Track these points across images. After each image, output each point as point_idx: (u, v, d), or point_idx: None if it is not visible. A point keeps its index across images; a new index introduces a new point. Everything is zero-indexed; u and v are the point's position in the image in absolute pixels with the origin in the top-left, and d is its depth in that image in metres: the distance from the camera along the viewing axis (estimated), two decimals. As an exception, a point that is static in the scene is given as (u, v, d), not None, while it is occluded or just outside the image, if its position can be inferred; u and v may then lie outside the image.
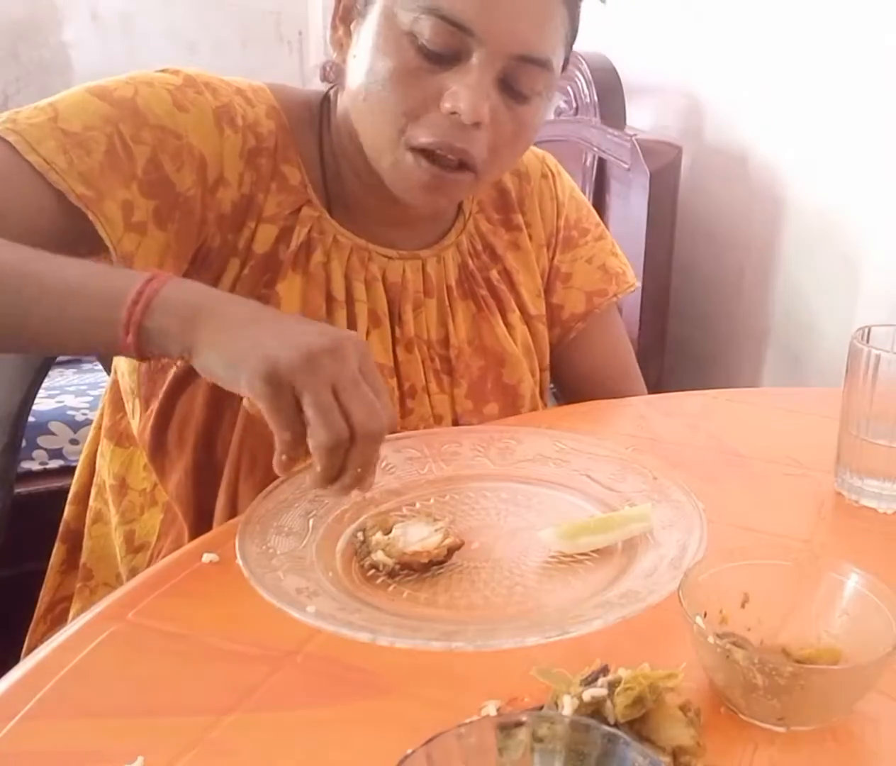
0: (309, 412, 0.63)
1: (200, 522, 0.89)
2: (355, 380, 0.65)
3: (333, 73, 0.92)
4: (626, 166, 1.76)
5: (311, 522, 0.72)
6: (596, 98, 1.83)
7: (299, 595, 0.62)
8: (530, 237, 1.03)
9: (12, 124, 0.78)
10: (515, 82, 0.81)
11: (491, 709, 0.55)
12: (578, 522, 0.72)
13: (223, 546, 0.70)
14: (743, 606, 0.60)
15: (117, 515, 0.93)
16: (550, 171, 1.06)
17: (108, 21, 2.98)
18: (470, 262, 0.98)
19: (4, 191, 0.76)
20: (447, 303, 0.96)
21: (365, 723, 0.55)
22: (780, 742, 0.54)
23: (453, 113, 0.79)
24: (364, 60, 0.82)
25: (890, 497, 0.80)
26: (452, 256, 0.97)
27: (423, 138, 0.80)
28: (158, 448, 0.89)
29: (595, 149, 1.86)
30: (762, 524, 0.77)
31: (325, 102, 0.93)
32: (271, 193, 0.87)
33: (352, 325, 0.90)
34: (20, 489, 1.04)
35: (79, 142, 0.78)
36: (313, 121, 0.92)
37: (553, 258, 1.05)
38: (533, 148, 1.07)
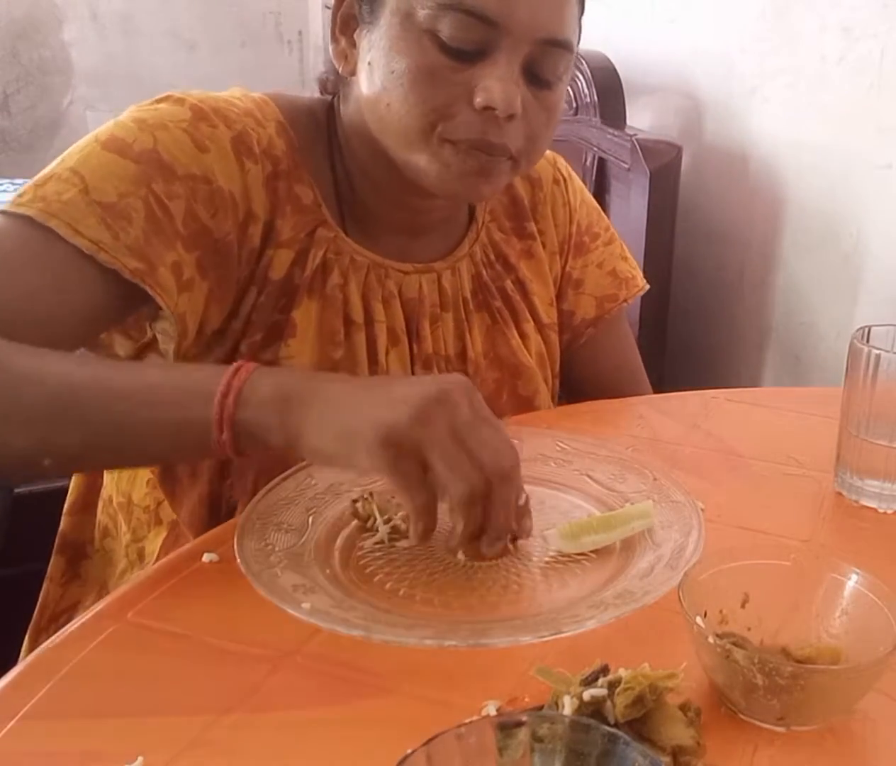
0: (438, 468, 0.61)
1: None
2: (472, 423, 0.62)
3: (332, 85, 0.91)
4: (626, 166, 1.76)
5: (310, 519, 0.73)
6: (596, 98, 1.83)
7: (295, 592, 0.62)
8: (543, 245, 1.02)
9: (44, 205, 0.74)
10: (540, 69, 0.80)
11: (491, 709, 0.55)
12: (581, 521, 0.72)
13: (223, 546, 0.70)
14: (743, 606, 0.60)
15: (129, 532, 0.92)
16: (563, 175, 1.05)
17: (108, 21, 2.98)
18: (484, 272, 0.97)
19: (51, 280, 0.74)
20: (463, 315, 0.95)
21: (365, 723, 0.55)
22: (780, 742, 0.54)
23: (487, 108, 0.77)
24: (381, 65, 0.79)
25: (890, 497, 0.80)
26: (466, 267, 0.96)
27: (460, 135, 0.79)
28: (167, 477, 0.88)
29: (595, 149, 1.86)
30: (762, 524, 0.77)
31: (331, 112, 0.91)
32: (286, 217, 0.85)
33: (371, 346, 0.88)
34: (20, 489, 1.04)
35: (118, 213, 0.75)
36: (321, 133, 0.90)
37: (565, 265, 1.05)
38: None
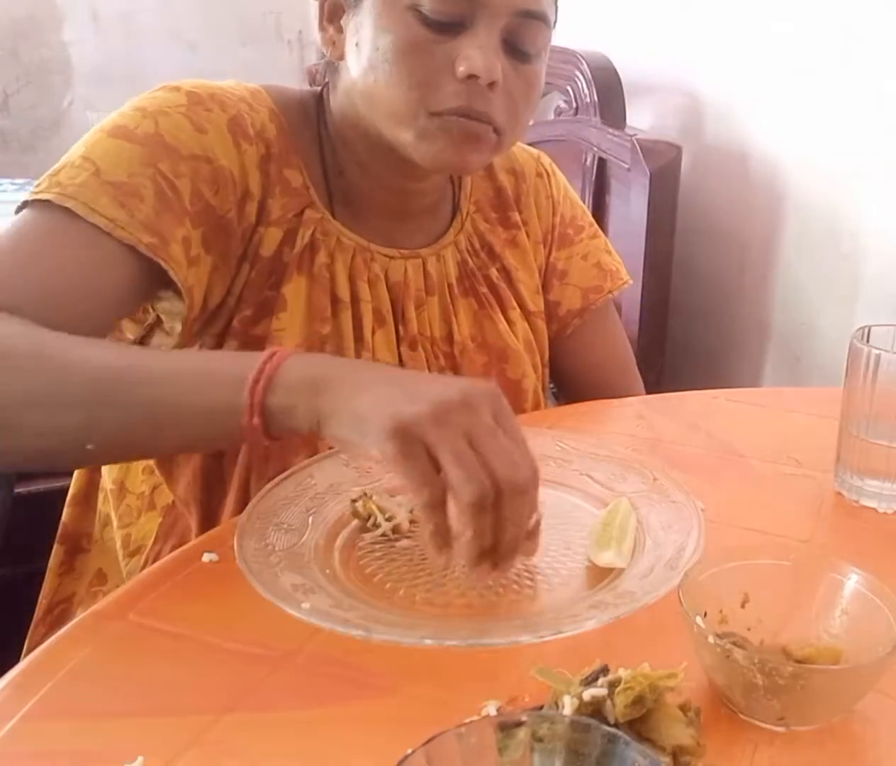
0: (447, 467, 0.59)
1: (209, 524, 0.88)
2: (491, 430, 0.61)
3: (322, 75, 0.94)
4: (626, 166, 1.76)
5: (310, 519, 0.73)
6: (596, 98, 1.83)
7: (295, 592, 0.62)
8: (527, 235, 1.04)
9: (60, 189, 0.78)
10: (519, 41, 0.83)
11: (491, 709, 0.55)
12: (602, 535, 0.70)
13: (223, 546, 0.70)
14: (743, 606, 0.60)
15: (116, 518, 0.94)
16: (545, 170, 1.08)
17: (108, 21, 2.98)
18: (469, 260, 0.99)
19: (72, 258, 0.77)
20: (449, 300, 0.97)
21: (365, 723, 0.55)
22: (780, 742, 0.54)
23: (470, 76, 0.80)
24: (367, 44, 0.83)
25: (890, 497, 0.80)
26: (452, 254, 0.98)
27: (445, 105, 0.81)
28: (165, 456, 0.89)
29: (595, 149, 1.86)
30: (762, 524, 0.77)
31: (320, 102, 0.94)
32: (276, 197, 0.88)
33: (357, 324, 0.91)
34: (20, 489, 1.04)
35: (129, 191, 0.79)
36: (310, 121, 0.93)
37: (549, 255, 1.07)
38: (527, 147, 1.09)
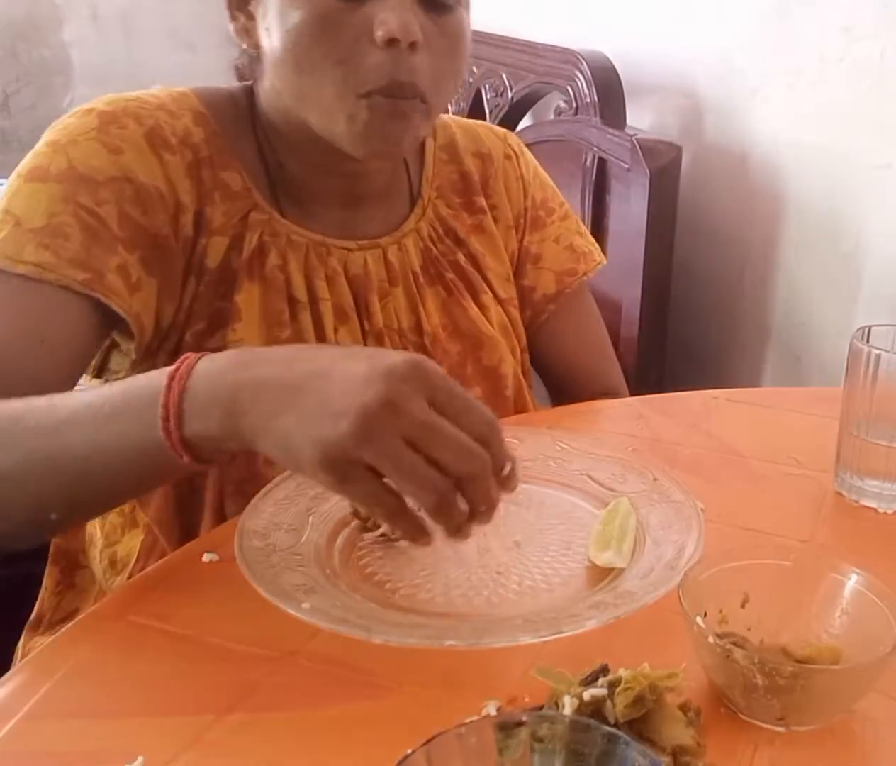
0: (396, 482, 0.56)
1: (185, 543, 0.86)
2: (427, 424, 0.56)
3: (248, 70, 0.90)
4: (626, 166, 1.76)
5: (310, 519, 0.72)
6: (596, 98, 1.83)
7: (295, 592, 0.62)
8: (496, 220, 1.01)
9: None
10: None
11: (491, 709, 0.55)
12: (602, 534, 0.70)
13: (223, 546, 0.70)
14: (743, 606, 0.60)
15: (102, 538, 0.91)
16: (513, 151, 1.04)
17: (108, 21, 2.98)
18: (433, 247, 0.96)
19: (9, 315, 0.75)
20: (415, 290, 0.94)
21: (365, 723, 0.55)
22: (780, 742, 0.54)
23: (389, 40, 0.76)
24: (278, 27, 0.79)
25: (890, 497, 0.80)
26: (413, 242, 0.95)
27: (371, 83, 0.77)
28: None
29: (595, 149, 1.86)
30: (762, 524, 0.77)
31: (251, 96, 0.90)
32: (216, 204, 0.85)
33: (318, 324, 0.88)
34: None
35: (52, 232, 0.77)
36: (243, 118, 0.89)
37: (522, 239, 1.04)
38: (494, 127, 1.06)
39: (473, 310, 0.97)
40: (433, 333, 0.94)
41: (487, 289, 0.99)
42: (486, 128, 1.04)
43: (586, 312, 1.10)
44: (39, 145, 0.82)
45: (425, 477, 0.55)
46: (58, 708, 0.56)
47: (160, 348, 0.85)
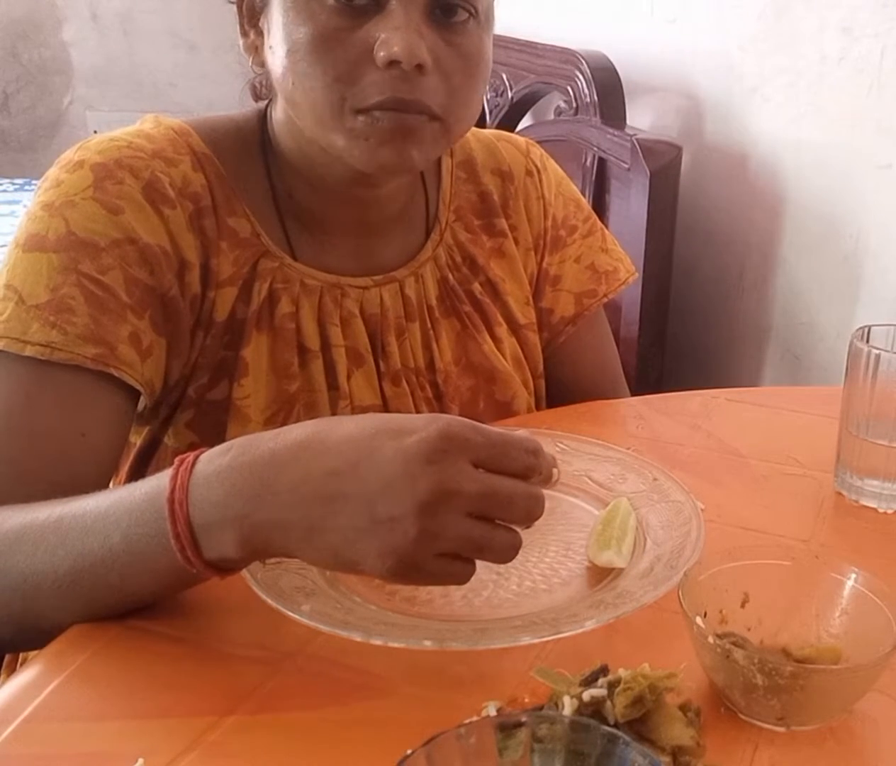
0: (477, 558, 0.57)
1: None
2: (483, 493, 0.55)
3: (265, 88, 0.86)
4: (626, 166, 1.76)
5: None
6: (596, 98, 1.83)
7: (295, 594, 0.62)
8: (516, 242, 0.97)
9: None
10: (446, 10, 0.75)
11: (491, 709, 0.55)
12: (601, 534, 0.70)
13: (223, 547, 0.70)
14: (743, 606, 0.60)
15: None
16: (536, 166, 0.99)
17: (108, 21, 2.98)
18: (450, 276, 0.92)
19: (24, 405, 0.71)
20: (429, 324, 0.90)
21: (365, 724, 0.55)
22: (780, 742, 0.54)
23: (391, 63, 0.71)
24: (281, 42, 0.75)
25: (890, 497, 0.80)
26: (431, 271, 0.91)
27: (369, 99, 0.73)
28: None
29: (595, 149, 1.86)
30: (762, 524, 0.77)
31: (265, 120, 0.86)
32: (223, 253, 0.81)
33: (329, 372, 0.84)
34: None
35: (57, 307, 0.72)
36: (251, 152, 0.85)
37: (542, 262, 0.99)
38: (514, 140, 1.01)
39: (487, 344, 0.93)
40: (445, 371, 0.91)
41: (503, 320, 0.95)
42: (507, 141, 0.99)
43: (603, 336, 1.06)
44: (34, 208, 0.77)
45: (502, 542, 0.57)
46: (59, 711, 0.56)
47: (162, 401, 0.82)
